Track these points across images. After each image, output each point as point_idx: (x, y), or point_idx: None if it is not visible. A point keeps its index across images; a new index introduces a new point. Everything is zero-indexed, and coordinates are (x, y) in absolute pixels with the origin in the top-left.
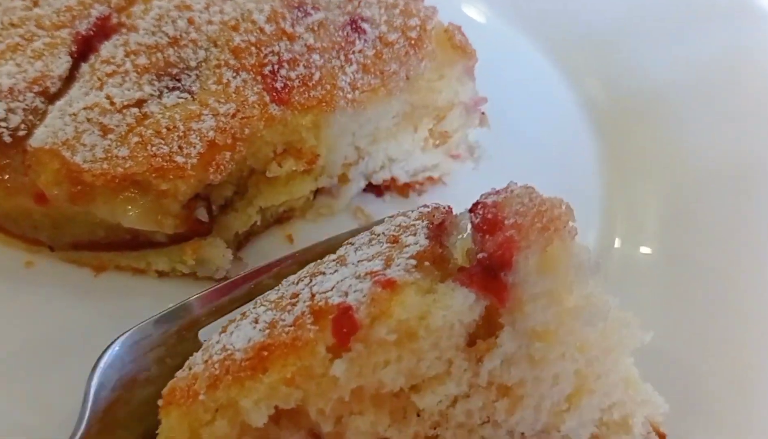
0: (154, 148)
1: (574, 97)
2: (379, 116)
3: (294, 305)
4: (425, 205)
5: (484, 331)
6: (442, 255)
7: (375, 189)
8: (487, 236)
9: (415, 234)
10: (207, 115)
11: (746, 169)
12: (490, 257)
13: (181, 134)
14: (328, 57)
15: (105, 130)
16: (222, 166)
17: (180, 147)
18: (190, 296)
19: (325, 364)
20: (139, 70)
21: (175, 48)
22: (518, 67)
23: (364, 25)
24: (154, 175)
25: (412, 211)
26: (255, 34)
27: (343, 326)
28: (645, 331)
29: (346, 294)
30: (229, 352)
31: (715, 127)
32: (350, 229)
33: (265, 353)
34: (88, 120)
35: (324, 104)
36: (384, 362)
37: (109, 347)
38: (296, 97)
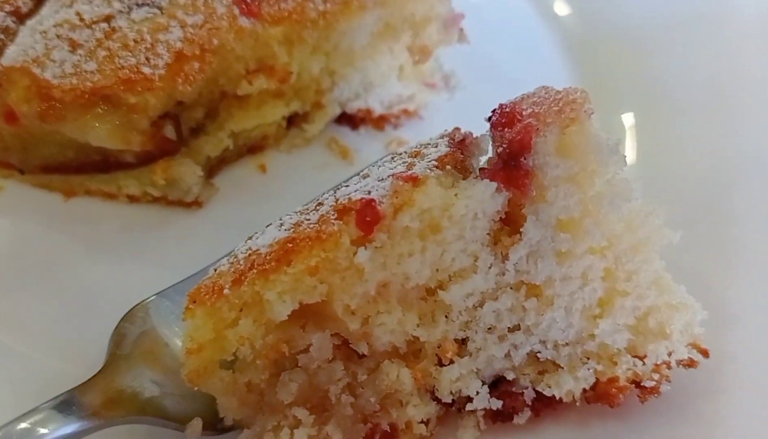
0: (121, 61)
1: (548, 26)
2: (354, 33)
3: (318, 209)
4: (446, 130)
5: (509, 231)
6: (464, 163)
7: (350, 122)
8: (505, 130)
9: (436, 146)
10: (174, 26)
11: (721, 91)
12: (509, 144)
13: (149, 46)
14: None
15: (74, 46)
16: (191, 78)
17: (147, 58)
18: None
19: (350, 255)
20: None
21: None
22: None
23: None
24: (122, 88)
25: (432, 137)
26: None
27: (366, 216)
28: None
29: (369, 192)
30: (254, 249)
31: (691, 52)
32: (324, 160)
33: (290, 246)
34: (58, 36)
35: (295, 16)
36: (409, 253)
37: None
38: (266, 9)
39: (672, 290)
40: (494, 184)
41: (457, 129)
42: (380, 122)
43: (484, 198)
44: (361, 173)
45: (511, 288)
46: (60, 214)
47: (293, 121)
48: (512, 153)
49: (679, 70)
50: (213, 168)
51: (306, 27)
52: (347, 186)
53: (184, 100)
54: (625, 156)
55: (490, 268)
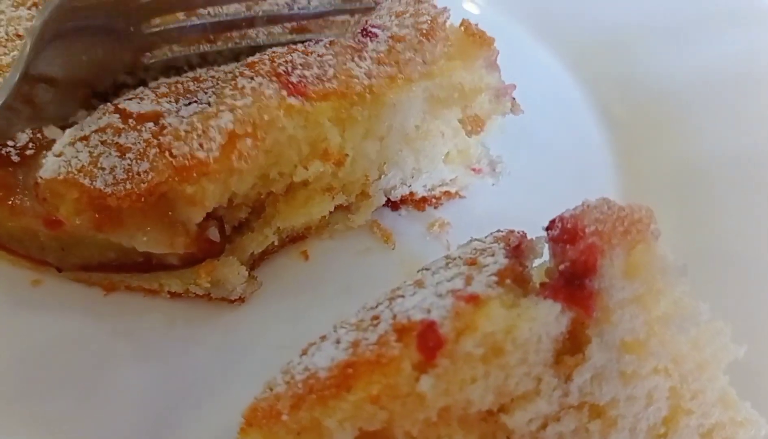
0: (174, 151)
1: (589, 105)
2: (404, 109)
3: (376, 325)
4: (498, 230)
5: (572, 349)
6: (522, 274)
7: (390, 203)
8: (567, 246)
9: (493, 255)
10: (224, 111)
11: (763, 173)
12: (573, 264)
13: (200, 133)
14: (341, 58)
15: (122, 150)
16: (245, 154)
17: (200, 144)
18: None
19: (411, 381)
20: (158, 94)
21: (196, 82)
22: (533, 74)
23: (375, 30)
24: (177, 178)
25: (486, 237)
26: (267, 53)
27: (428, 341)
28: (738, 344)
29: (429, 311)
30: (312, 371)
31: (730, 131)
32: (366, 245)
33: (350, 371)
34: (102, 142)
35: (340, 90)
36: (471, 378)
37: None
38: (312, 88)
39: (737, 406)
40: (558, 306)
41: (511, 232)
42: (421, 204)
43: (548, 320)
44: (416, 280)
45: (574, 409)
46: (99, 307)
47: (336, 207)
48: (576, 273)
49: (721, 149)
50: (256, 261)
51: (354, 102)
52: (403, 297)
53: (240, 187)
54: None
55: (553, 390)
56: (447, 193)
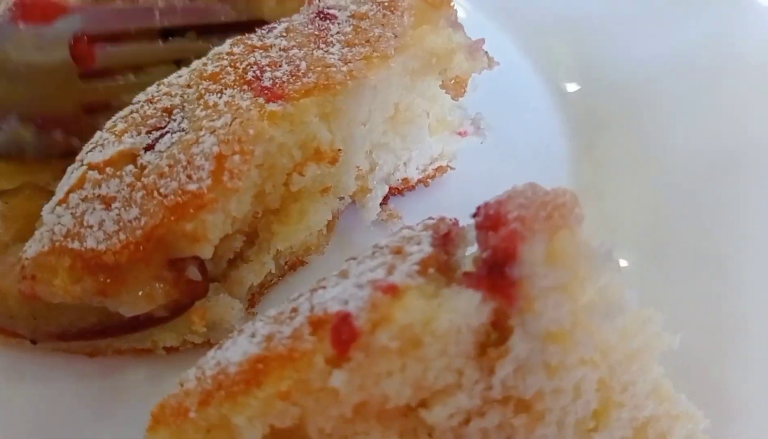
0: (162, 190)
1: (548, 90)
2: (384, 89)
3: (292, 318)
4: (430, 218)
5: (495, 341)
6: (448, 262)
7: (390, 191)
8: (490, 233)
9: (419, 243)
10: (204, 135)
11: (728, 165)
12: (494, 252)
13: (185, 164)
14: (307, 49)
15: (106, 202)
16: (237, 171)
17: (189, 176)
18: None
19: (324, 376)
20: (117, 133)
21: (150, 104)
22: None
23: (332, 11)
24: (173, 218)
25: (417, 224)
26: (226, 58)
27: (342, 334)
28: (671, 332)
29: (346, 302)
30: (222, 366)
31: (691, 118)
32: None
33: (260, 366)
34: (83, 199)
35: (321, 82)
36: (387, 372)
37: None
38: (289, 88)
39: (672, 398)
40: (479, 295)
41: (442, 220)
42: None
43: (468, 311)
44: (341, 270)
45: (498, 403)
46: (87, 370)
47: (329, 224)
48: (497, 261)
49: (685, 138)
50: (255, 296)
51: (337, 92)
52: (324, 288)
53: (240, 210)
54: (619, 262)
55: (475, 383)
56: (439, 169)
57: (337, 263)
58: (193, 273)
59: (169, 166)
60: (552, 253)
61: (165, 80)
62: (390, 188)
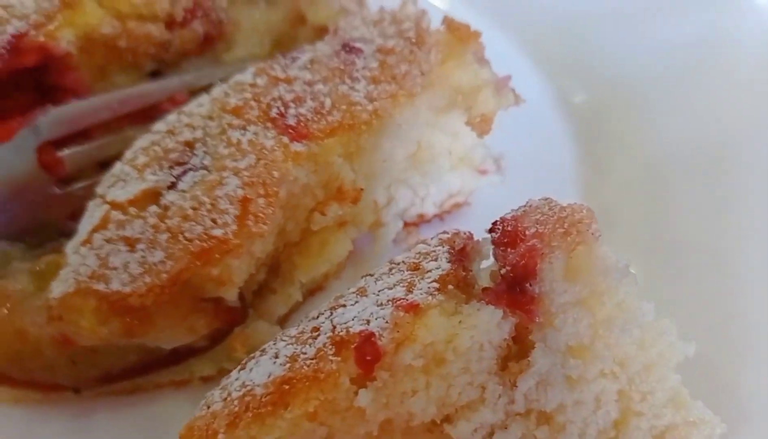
0: (187, 234)
1: (549, 94)
2: (410, 125)
3: (315, 338)
4: (444, 232)
5: (517, 355)
6: (466, 279)
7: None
8: (508, 250)
9: (436, 259)
10: (228, 176)
11: (726, 161)
12: (513, 269)
13: (210, 208)
14: (332, 84)
15: (130, 243)
16: (261, 215)
17: (213, 220)
18: None
19: (350, 396)
20: (138, 167)
21: (171, 136)
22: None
23: (358, 44)
24: (199, 263)
25: (432, 238)
26: (248, 90)
27: (366, 354)
28: (687, 341)
29: (368, 322)
30: (248, 388)
31: (693, 119)
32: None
33: (286, 387)
34: (107, 240)
35: (347, 121)
36: (412, 391)
37: None
38: (314, 127)
39: (689, 406)
40: (500, 312)
41: (456, 234)
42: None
43: (489, 327)
44: (358, 287)
45: (520, 416)
46: (124, 402)
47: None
48: (516, 277)
49: (682, 134)
50: (280, 320)
51: (361, 132)
52: (344, 307)
53: (264, 250)
54: (635, 276)
55: (498, 398)
56: (456, 205)
57: (352, 277)
58: (232, 300)
59: (194, 208)
60: (571, 269)
61: (185, 109)
62: (405, 223)
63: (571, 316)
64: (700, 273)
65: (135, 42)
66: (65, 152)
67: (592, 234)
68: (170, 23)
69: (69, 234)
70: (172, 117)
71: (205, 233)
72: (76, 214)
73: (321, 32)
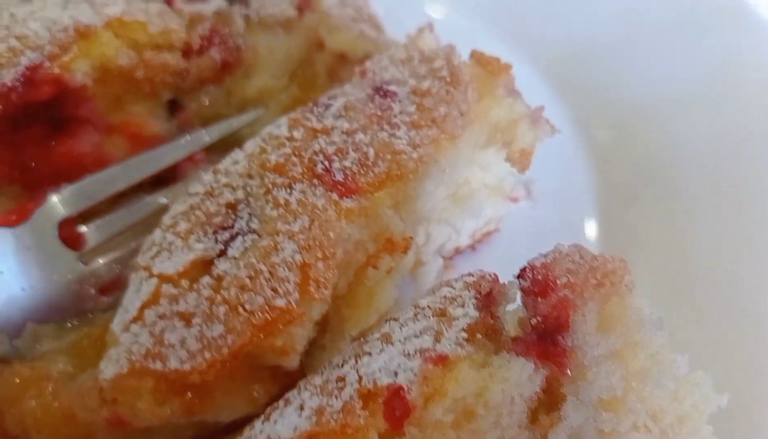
0: (247, 306)
1: (569, 121)
2: (453, 166)
3: (341, 389)
4: (470, 274)
5: (547, 405)
6: (494, 326)
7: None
8: (539, 299)
9: (463, 305)
10: (283, 241)
11: (751, 189)
12: (544, 320)
13: (268, 276)
14: (372, 132)
15: (186, 318)
16: (323, 280)
17: (274, 289)
18: None
19: None
20: (182, 235)
21: (211, 198)
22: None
23: (391, 87)
24: (262, 335)
25: (457, 281)
26: (287, 145)
27: (395, 408)
28: (720, 392)
29: (396, 374)
30: None
31: (712, 144)
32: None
33: None
34: (160, 316)
35: (394, 172)
36: None
37: None
38: (362, 181)
39: None
40: (531, 364)
41: (482, 277)
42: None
43: (521, 381)
44: (383, 333)
45: None
46: None
47: None
48: (548, 329)
49: (703, 161)
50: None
51: (408, 180)
52: (369, 355)
53: (321, 313)
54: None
55: None
56: (487, 234)
57: None
58: (292, 364)
59: (250, 277)
60: (604, 321)
61: (221, 167)
62: (450, 257)
63: (603, 368)
64: (725, 308)
65: (152, 72)
66: (84, 228)
67: (626, 286)
68: (187, 52)
69: (97, 308)
70: (207, 177)
71: (267, 303)
72: (105, 288)
73: (339, 58)
